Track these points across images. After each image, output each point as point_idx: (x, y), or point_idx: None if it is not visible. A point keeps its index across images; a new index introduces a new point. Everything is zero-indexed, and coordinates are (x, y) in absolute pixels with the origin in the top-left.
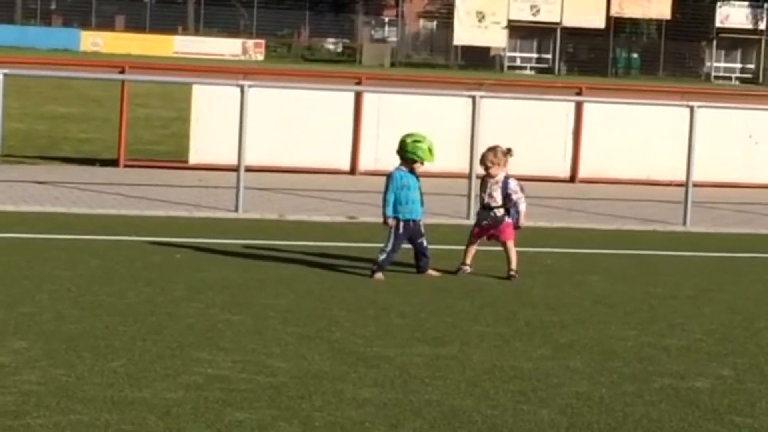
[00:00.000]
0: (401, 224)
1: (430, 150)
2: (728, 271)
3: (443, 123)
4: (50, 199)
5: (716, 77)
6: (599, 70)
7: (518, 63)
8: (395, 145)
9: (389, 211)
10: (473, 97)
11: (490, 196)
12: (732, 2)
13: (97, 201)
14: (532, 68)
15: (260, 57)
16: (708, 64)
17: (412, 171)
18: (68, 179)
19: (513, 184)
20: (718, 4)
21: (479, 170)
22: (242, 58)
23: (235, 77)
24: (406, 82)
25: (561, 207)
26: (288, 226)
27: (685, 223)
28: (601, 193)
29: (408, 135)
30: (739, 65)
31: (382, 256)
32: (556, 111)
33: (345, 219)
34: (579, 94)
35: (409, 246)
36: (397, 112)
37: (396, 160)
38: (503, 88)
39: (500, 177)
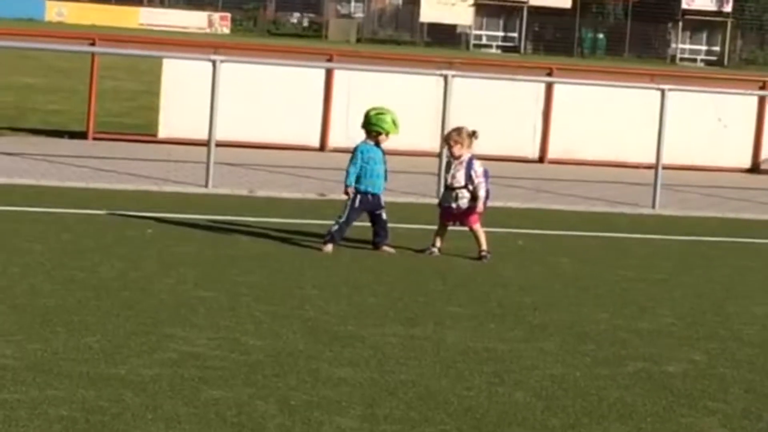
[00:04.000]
0: (359, 196)
1: (394, 122)
2: (696, 254)
3: (413, 101)
4: (19, 171)
5: (682, 59)
6: (565, 50)
7: (484, 41)
8: None
9: (350, 181)
10: (445, 76)
11: (453, 176)
12: None
13: (66, 174)
14: (498, 47)
15: (226, 30)
16: (674, 45)
17: (377, 144)
18: (37, 151)
19: (476, 166)
20: None
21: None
22: (208, 31)
23: (206, 51)
24: (376, 59)
25: (530, 188)
26: (258, 202)
27: (653, 205)
28: (570, 175)
29: (372, 108)
30: (704, 47)
31: (335, 227)
32: (527, 91)
33: (315, 196)
34: (550, 75)
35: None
36: (368, 90)
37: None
38: (474, 67)
39: (465, 158)
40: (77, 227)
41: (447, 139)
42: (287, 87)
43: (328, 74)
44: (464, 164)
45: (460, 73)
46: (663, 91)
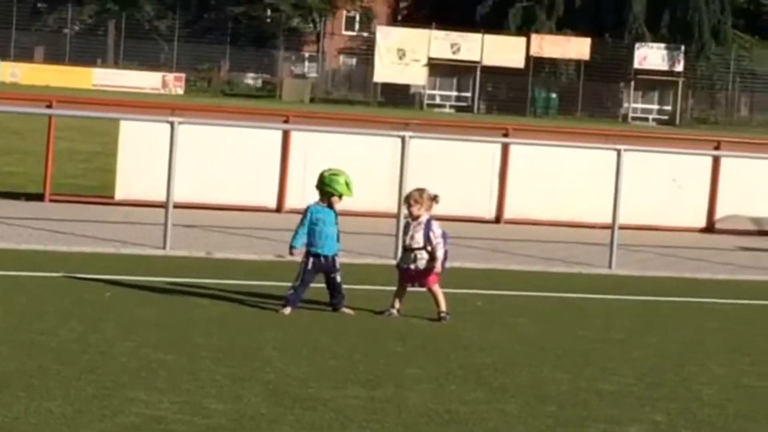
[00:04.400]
0: (311, 259)
1: (347, 184)
2: (654, 314)
3: (370, 162)
4: None
5: (633, 118)
6: (518, 110)
7: (438, 101)
8: None
9: (295, 243)
10: (402, 138)
11: (412, 237)
12: (650, 44)
13: (23, 236)
14: (451, 106)
15: (180, 91)
16: (626, 104)
17: (330, 206)
18: None
19: (435, 227)
20: (636, 45)
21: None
22: (162, 91)
23: (163, 113)
24: (333, 120)
25: (487, 248)
26: (216, 263)
27: (610, 265)
28: (526, 235)
29: (326, 169)
30: (656, 106)
31: (291, 291)
32: (483, 152)
33: (272, 257)
34: (506, 135)
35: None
36: (324, 151)
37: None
38: (430, 127)
39: (423, 219)
40: (35, 290)
41: (407, 199)
42: (244, 148)
43: (285, 135)
44: (423, 225)
45: (417, 134)
46: (619, 152)
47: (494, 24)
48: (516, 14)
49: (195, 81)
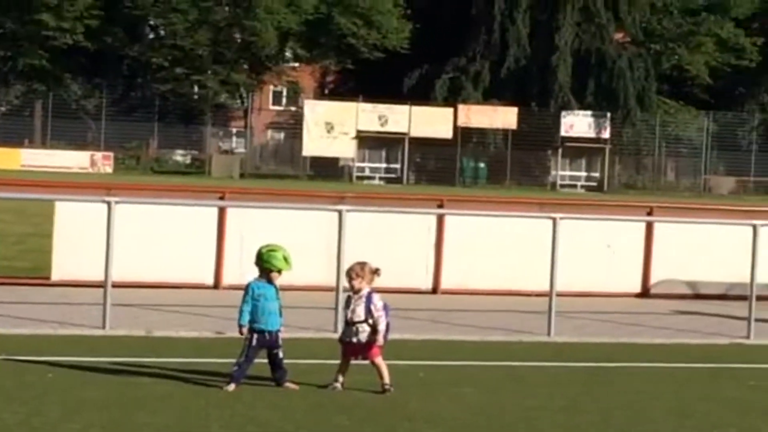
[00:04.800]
0: (255, 336)
1: (285, 259)
2: (596, 380)
3: (306, 236)
4: None
5: (562, 185)
6: (447, 180)
7: (367, 173)
8: None
9: (243, 320)
10: (339, 212)
11: (353, 311)
12: (576, 112)
13: None
14: (381, 178)
15: (109, 169)
16: (554, 172)
17: (270, 281)
18: None
19: (375, 299)
20: (563, 113)
21: (346, 283)
22: (91, 170)
23: (98, 193)
24: (268, 196)
25: (426, 319)
26: (156, 342)
27: (549, 333)
28: (464, 305)
29: (264, 246)
30: (584, 173)
31: (235, 368)
32: (418, 223)
33: (212, 334)
34: (440, 206)
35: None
36: (260, 226)
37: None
38: (365, 200)
39: (364, 292)
40: None
41: (349, 273)
42: (180, 226)
43: (221, 212)
44: (363, 298)
45: (354, 207)
46: (554, 220)
47: (421, 95)
48: (443, 85)
49: (123, 159)
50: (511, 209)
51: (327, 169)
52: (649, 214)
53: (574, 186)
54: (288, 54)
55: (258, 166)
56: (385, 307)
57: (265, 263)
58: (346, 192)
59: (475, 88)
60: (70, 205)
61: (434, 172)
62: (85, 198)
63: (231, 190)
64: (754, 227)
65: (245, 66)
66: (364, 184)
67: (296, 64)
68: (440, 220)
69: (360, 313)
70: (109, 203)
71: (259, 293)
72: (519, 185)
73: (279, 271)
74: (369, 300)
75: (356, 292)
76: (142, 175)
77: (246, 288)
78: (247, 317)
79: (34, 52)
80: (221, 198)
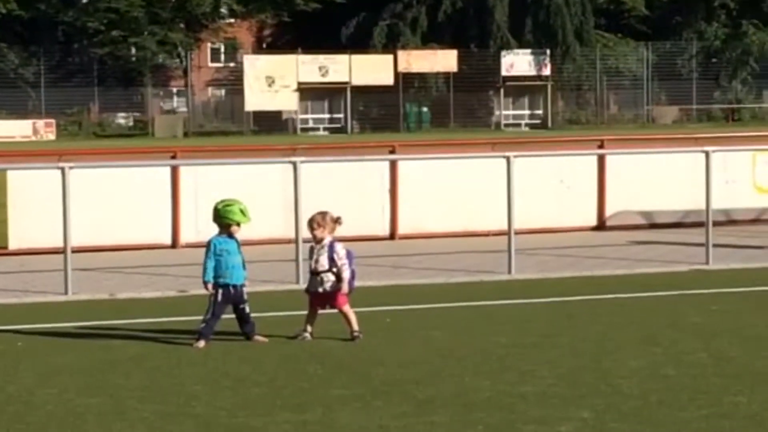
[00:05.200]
0: (220, 291)
1: (242, 211)
2: (562, 315)
3: (261, 190)
4: None
5: (506, 125)
6: (391, 126)
7: (311, 125)
8: None
9: (207, 277)
10: (294, 163)
11: (317, 261)
12: (515, 51)
13: None
14: (325, 128)
15: (52, 136)
16: (497, 112)
17: (231, 236)
18: None
19: (338, 248)
20: (502, 53)
21: (305, 234)
22: (34, 138)
23: (51, 160)
24: (220, 152)
25: (386, 265)
26: (121, 304)
27: (510, 271)
28: (423, 249)
29: (219, 201)
30: (527, 112)
31: (203, 325)
32: (371, 170)
33: (175, 293)
34: (392, 152)
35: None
36: (215, 183)
37: (217, 229)
38: (317, 151)
39: (326, 241)
40: None
41: (310, 223)
42: (134, 188)
43: (174, 171)
44: (326, 248)
45: (308, 158)
46: (509, 158)
47: (360, 44)
48: (381, 32)
49: (65, 125)
50: (463, 151)
51: (270, 123)
52: (600, 147)
53: (518, 125)
54: (224, 10)
55: (201, 125)
56: (349, 255)
57: (222, 218)
58: (296, 144)
59: (414, 33)
60: (23, 173)
61: (378, 119)
62: (38, 165)
63: (182, 149)
64: (707, 153)
65: (182, 25)
66: (309, 136)
67: (232, 20)
68: (393, 165)
69: (324, 262)
70: (62, 169)
71: (221, 248)
72: (463, 127)
73: (238, 224)
74: (332, 249)
75: (318, 241)
76: (86, 140)
77: (207, 244)
78: (211, 273)
79: None
80: (173, 157)
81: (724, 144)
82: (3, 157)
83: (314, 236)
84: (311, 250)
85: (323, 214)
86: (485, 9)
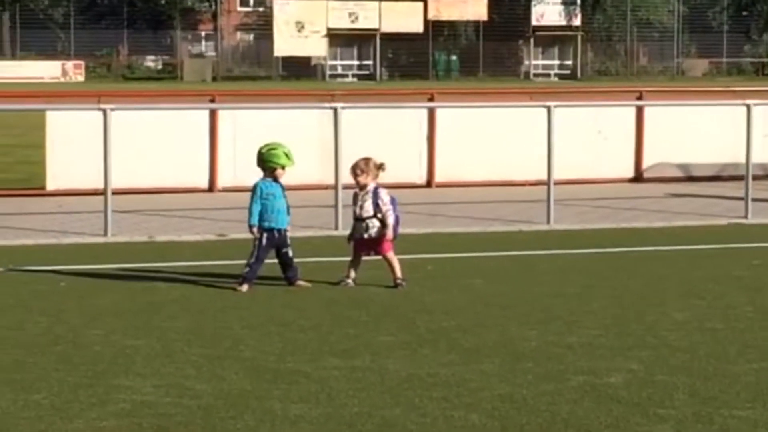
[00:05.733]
0: (265, 235)
1: (286, 155)
2: (603, 266)
3: (297, 135)
4: None
5: (535, 75)
6: (420, 74)
7: (340, 71)
8: (252, 161)
9: (253, 220)
10: (335, 109)
11: (361, 207)
12: (546, 0)
13: None
14: (353, 75)
15: (80, 78)
16: (526, 62)
17: (276, 180)
18: None
19: (383, 194)
20: (533, 2)
21: (345, 180)
22: (62, 80)
23: (91, 101)
24: (260, 97)
25: (424, 212)
26: (160, 247)
27: (549, 221)
28: (460, 197)
29: (263, 145)
30: (557, 62)
31: (247, 269)
32: (409, 118)
33: (215, 237)
34: (431, 99)
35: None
36: (252, 128)
37: (254, 174)
38: (355, 97)
39: (370, 188)
40: None
41: (354, 169)
42: (172, 131)
43: (212, 115)
44: (370, 194)
45: (348, 104)
46: (549, 108)
47: None
48: None
49: (94, 67)
50: (500, 100)
51: (299, 68)
52: (639, 98)
53: (548, 75)
54: None
55: (230, 69)
56: (393, 201)
57: (267, 162)
58: (331, 90)
59: None
60: (62, 114)
61: (406, 66)
62: (79, 107)
63: (221, 93)
64: (748, 107)
65: None
66: (338, 82)
67: None
68: (431, 113)
69: (368, 208)
70: (104, 111)
71: (267, 192)
72: (492, 76)
73: (282, 168)
74: (376, 195)
75: (362, 188)
76: (114, 83)
77: (254, 188)
78: (257, 217)
79: None
80: (212, 101)
81: (760, 97)
82: (40, 97)
83: (357, 182)
84: (355, 196)
85: (367, 160)
86: None
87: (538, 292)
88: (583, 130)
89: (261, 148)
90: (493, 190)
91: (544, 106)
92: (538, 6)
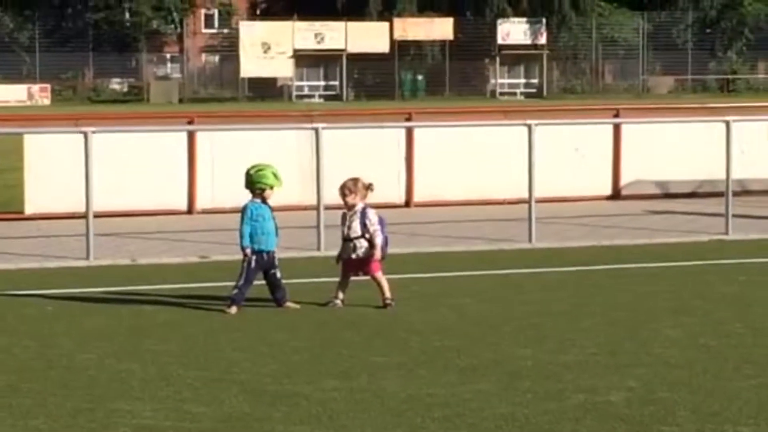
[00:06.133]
0: (254, 257)
1: (275, 175)
2: (589, 283)
3: (276, 156)
4: None
5: (501, 93)
6: (387, 94)
7: (306, 92)
8: (230, 182)
9: (246, 242)
10: (316, 129)
11: (349, 227)
12: (512, 19)
13: None
14: (320, 96)
15: (47, 101)
16: (492, 81)
17: (264, 201)
18: None
19: (371, 214)
20: (499, 21)
21: (328, 200)
22: (29, 103)
23: (68, 124)
24: (239, 118)
25: (404, 232)
26: (143, 270)
27: (530, 239)
28: (439, 216)
29: (251, 167)
30: (523, 80)
31: (235, 290)
32: (388, 137)
33: (197, 259)
34: (408, 119)
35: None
36: (230, 149)
37: (234, 196)
38: (333, 117)
39: (358, 207)
40: None
41: (342, 189)
42: (150, 153)
43: (190, 137)
44: (358, 214)
45: (330, 125)
46: (530, 126)
47: (356, 11)
48: (377, 0)
49: (60, 90)
50: (474, 119)
51: (265, 89)
52: (616, 116)
53: (514, 93)
54: None
55: (196, 91)
56: (381, 222)
57: (256, 183)
58: (312, 111)
59: (410, 1)
60: (40, 138)
61: (373, 87)
62: (61, 129)
63: (199, 114)
64: (727, 123)
65: None
66: (304, 103)
67: None
68: (409, 133)
69: (356, 228)
70: (85, 133)
71: (257, 214)
72: (458, 95)
73: (271, 188)
74: (364, 215)
75: (350, 208)
76: (80, 106)
77: (243, 209)
78: (248, 239)
79: None
80: (190, 123)
81: (735, 114)
82: (17, 121)
83: (346, 203)
84: (343, 216)
85: (355, 180)
86: None
87: (527, 310)
88: (560, 147)
89: (249, 169)
90: (472, 209)
91: (525, 125)
92: (503, 25)
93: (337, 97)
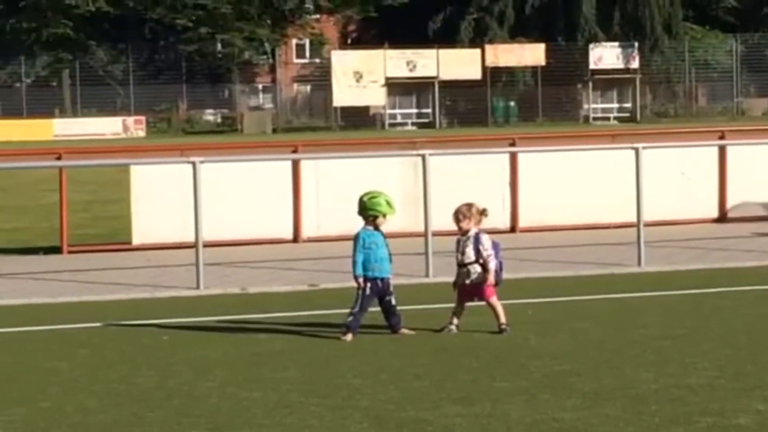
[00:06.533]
0: (369, 284)
1: (388, 203)
2: (705, 307)
3: (380, 184)
4: (7, 291)
5: (594, 118)
6: (479, 120)
7: (399, 120)
8: (335, 210)
9: (359, 271)
10: (422, 156)
11: (463, 253)
12: (603, 44)
13: (54, 289)
14: (413, 123)
15: (141, 133)
16: (585, 106)
17: (377, 228)
18: (17, 270)
19: (484, 239)
20: (591, 46)
21: (435, 226)
22: (124, 135)
23: (173, 155)
24: (343, 146)
25: (510, 258)
26: (253, 298)
27: (639, 263)
28: (545, 242)
29: (364, 194)
30: (616, 105)
31: (350, 318)
32: (491, 163)
33: (306, 287)
34: (512, 144)
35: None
36: (334, 177)
37: (339, 223)
38: (436, 144)
39: (472, 233)
40: (91, 341)
41: (456, 215)
42: (255, 182)
43: (295, 166)
44: (472, 239)
45: (437, 151)
46: (637, 150)
47: (447, 38)
48: (468, 26)
49: (155, 122)
50: (580, 143)
51: (358, 118)
52: (721, 138)
53: (607, 118)
54: (309, 6)
55: (289, 120)
56: (495, 246)
57: (369, 210)
58: (415, 138)
59: (501, 27)
60: (146, 168)
61: (465, 114)
62: (169, 160)
63: (303, 143)
64: None
65: (268, 21)
66: (397, 131)
67: (318, 16)
68: (513, 158)
69: (470, 254)
70: (194, 163)
71: (370, 241)
72: (551, 121)
73: (384, 216)
74: (477, 240)
75: (464, 233)
76: (175, 137)
77: (356, 237)
78: (361, 267)
79: (58, 21)
80: (294, 151)
81: None
82: (122, 152)
83: (459, 228)
84: (457, 242)
85: (469, 205)
86: (573, 1)
87: (645, 334)
88: (666, 171)
89: (362, 196)
90: (577, 233)
91: (632, 148)
92: (595, 49)
93: (430, 125)
